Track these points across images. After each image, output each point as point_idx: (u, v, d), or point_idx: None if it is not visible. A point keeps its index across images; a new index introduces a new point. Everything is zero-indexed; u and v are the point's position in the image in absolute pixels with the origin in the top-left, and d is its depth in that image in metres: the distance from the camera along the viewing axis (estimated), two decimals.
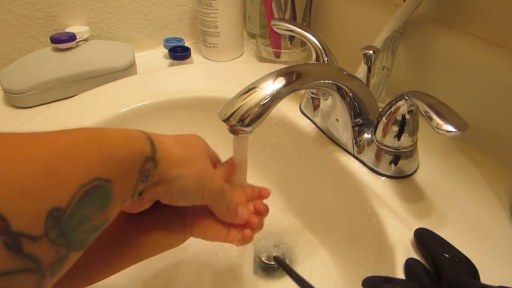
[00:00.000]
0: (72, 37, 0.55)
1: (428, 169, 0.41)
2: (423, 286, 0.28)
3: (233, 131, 0.35)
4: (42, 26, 0.57)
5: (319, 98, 0.47)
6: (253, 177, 0.55)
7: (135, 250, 0.31)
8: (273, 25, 0.47)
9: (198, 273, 0.48)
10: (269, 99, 0.35)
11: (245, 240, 0.34)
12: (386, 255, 0.34)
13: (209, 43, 0.62)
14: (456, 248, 0.31)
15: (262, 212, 0.36)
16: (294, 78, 0.37)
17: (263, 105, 0.35)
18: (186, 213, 0.34)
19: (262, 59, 0.64)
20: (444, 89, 0.46)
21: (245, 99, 0.35)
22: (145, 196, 0.27)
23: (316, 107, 0.48)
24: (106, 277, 0.31)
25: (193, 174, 0.29)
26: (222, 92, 0.53)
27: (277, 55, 0.61)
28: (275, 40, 0.61)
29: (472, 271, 0.29)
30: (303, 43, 0.62)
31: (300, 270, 0.48)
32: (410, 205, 0.37)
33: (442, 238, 0.32)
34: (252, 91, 0.35)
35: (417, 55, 0.48)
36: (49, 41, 0.56)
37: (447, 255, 0.30)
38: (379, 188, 0.39)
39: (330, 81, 0.39)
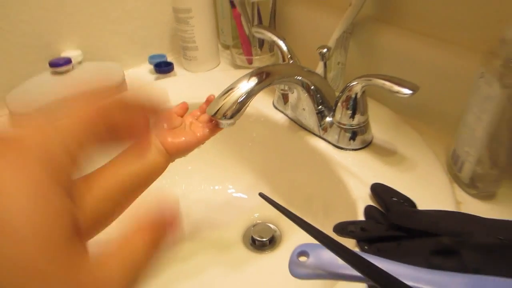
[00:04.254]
0: (68, 61, 0.62)
1: (381, 139, 0.50)
2: (378, 221, 0.37)
3: (219, 123, 0.44)
4: (40, 53, 0.64)
5: (288, 94, 0.56)
6: (240, 170, 0.64)
7: None
8: (255, 31, 0.57)
9: (197, 247, 0.56)
10: (245, 96, 0.43)
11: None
12: (352, 208, 0.43)
13: (189, 56, 0.70)
14: (402, 194, 0.40)
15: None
16: (264, 76, 0.46)
17: (240, 102, 0.43)
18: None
19: (236, 66, 0.72)
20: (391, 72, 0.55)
21: (225, 98, 0.44)
22: None
23: (286, 101, 0.56)
24: None
25: None
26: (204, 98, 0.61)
27: (250, 62, 0.70)
28: (247, 49, 0.70)
29: (413, 207, 0.38)
30: (271, 48, 0.71)
31: (288, 243, 0.56)
32: (368, 169, 0.46)
33: (392, 188, 0.41)
34: (230, 91, 0.44)
35: (366, 50, 0.58)
36: (47, 65, 0.63)
37: (395, 199, 0.39)
38: (343, 159, 0.48)
39: (294, 77, 0.48)
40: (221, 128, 0.44)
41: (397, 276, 0.25)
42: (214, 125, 0.44)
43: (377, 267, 0.25)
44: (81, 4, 0.65)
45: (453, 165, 0.45)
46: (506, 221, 0.30)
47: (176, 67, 0.71)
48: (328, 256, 0.29)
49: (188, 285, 0.51)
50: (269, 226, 0.58)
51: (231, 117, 0.43)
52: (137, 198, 0.40)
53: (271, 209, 0.59)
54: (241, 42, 0.70)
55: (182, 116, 0.46)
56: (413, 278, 0.26)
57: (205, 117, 0.45)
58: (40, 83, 0.62)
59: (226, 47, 0.78)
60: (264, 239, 0.56)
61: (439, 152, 0.48)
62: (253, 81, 0.44)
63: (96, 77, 0.64)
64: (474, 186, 0.43)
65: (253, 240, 0.56)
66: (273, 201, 0.30)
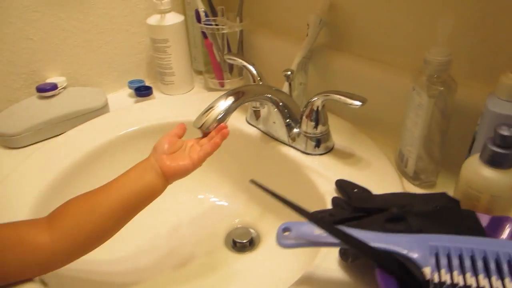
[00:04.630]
0: (54, 86, 0.67)
1: (341, 145, 0.59)
2: (343, 208, 0.45)
3: (205, 134, 0.51)
4: (26, 80, 0.68)
5: (259, 110, 0.64)
6: (220, 180, 0.70)
7: None
8: (227, 58, 0.65)
9: (184, 251, 0.61)
10: (224, 112, 0.51)
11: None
12: (321, 201, 0.50)
13: (167, 81, 0.77)
14: (361, 186, 0.48)
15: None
16: (240, 95, 0.53)
17: (219, 119, 0.50)
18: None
19: (210, 89, 0.80)
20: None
21: (207, 115, 0.51)
22: None
23: (258, 117, 0.64)
24: None
25: None
26: (185, 117, 0.68)
27: (222, 85, 0.78)
28: (219, 74, 0.78)
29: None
30: (240, 73, 0.79)
31: (265, 244, 0.63)
32: (332, 170, 0.54)
33: (352, 182, 0.50)
34: (211, 109, 0.51)
35: (323, 72, 0.68)
36: (34, 91, 0.67)
37: (356, 190, 0.48)
38: (310, 163, 0.56)
39: (265, 95, 0.56)
40: (215, 149, 0.50)
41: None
42: (208, 145, 0.48)
43: (347, 233, 0.33)
44: (65, 34, 0.71)
45: (400, 162, 0.54)
46: (436, 193, 0.39)
47: (154, 91, 0.77)
48: (306, 230, 0.36)
49: (175, 282, 0.56)
50: (249, 230, 0.64)
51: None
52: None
53: (251, 215, 0.67)
54: (213, 68, 0.78)
55: (181, 137, 0.50)
56: (373, 239, 0.34)
57: (204, 140, 0.50)
58: (27, 107, 0.66)
59: (199, 72, 0.86)
60: (244, 241, 0.62)
61: (388, 153, 0.57)
62: (230, 99, 0.52)
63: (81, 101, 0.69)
64: (418, 178, 0.52)
65: (234, 243, 0.62)
66: (263, 186, 0.37)
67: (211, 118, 0.50)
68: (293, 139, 0.59)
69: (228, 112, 0.51)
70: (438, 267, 0.32)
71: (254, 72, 0.63)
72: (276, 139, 0.62)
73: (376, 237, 0.35)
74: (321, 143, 0.57)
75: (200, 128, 0.50)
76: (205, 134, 0.51)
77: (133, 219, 0.45)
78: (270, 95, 0.56)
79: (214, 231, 0.64)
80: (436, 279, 0.32)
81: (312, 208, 0.49)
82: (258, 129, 0.65)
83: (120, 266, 0.57)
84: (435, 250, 0.33)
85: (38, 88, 0.67)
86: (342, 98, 0.51)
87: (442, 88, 0.46)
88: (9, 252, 0.38)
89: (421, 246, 0.34)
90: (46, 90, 0.66)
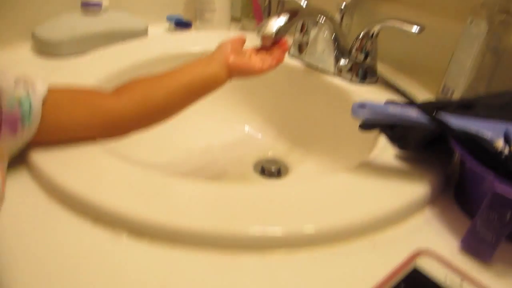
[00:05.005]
0: (99, 4, 0.67)
1: (383, 81, 0.60)
2: None
3: (263, 44, 0.52)
4: None
5: (304, 44, 0.65)
6: (253, 112, 0.70)
7: None
8: None
9: (215, 167, 0.62)
10: (281, 27, 0.51)
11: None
12: None
13: (206, 18, 0.78)
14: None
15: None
16: (295, 12, 0.54)
17: (277, 34, 0.51)
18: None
19: (246, 30, 0.81)
20: (386, 37, 0.67)
21: (267, 27, 0.52)
22: None
23: (301, 51, 0.65)
24: None
25: None
26: None
27: None
28: (258, 15, 0.79)
29: None
30: None
31: (292, 174, 0.63)
32: (378, 96, 0.56)
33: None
34: (268, 23, 0.52)
35: (367, 17, 0.69)
36: (77, 8, 0.67)
37: None
38: (357, 91, 0.58)
39: (320, 15, 0.57)
40: (278, 64, 0.51)
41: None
42: (272, 59, 0.50)
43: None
44: None
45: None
46: (502, 91, 0.41)
47: None
48: (380, 108, 0.37)
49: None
50: (278, 160, 0.65)
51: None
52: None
53: (282, 147, 0.67)
54: (254, 10, 0.79)
55: (242, 45, 0.51)
56: (445, 118, 0.36)
57: (264, 52, 0.51)
58: (71, 20, 0.66)
59: (234, 19, 0.86)
60: (272, 170, 0.63)
61: (431, 91, 0.59)
62: (286, 15, 0.53)
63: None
64: None
65: (263, 170, 0.63)
66: None
67: (271, 29, 0.51)
68: (340, 70, 0.60)
69: (284, 27, 0.52)
70: (508, 142, 0.34)
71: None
72: (321, 71, 0.63)
73: (449, 118, 0.36)
74: (367, 76, 0.59)
75: (262, 35, 0.51)
76: (263, 45, 0.52)
77: (168, 134, 0.45)
78: (324, 18, 0.57)
79: (244, 158, 0.65)
80: (506, 151, 0.33)
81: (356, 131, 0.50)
82: (302, 61, 0.65)
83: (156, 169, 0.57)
84: (504, 130, 0.35)
85: (83, 2, 0.66)
86: (400, 23, 0.53)
87: (503, 16, 0.48)
88: (80, 106, 0.38)
89: (491, 127, 0.35)
90: (91, 5, 0.66)
